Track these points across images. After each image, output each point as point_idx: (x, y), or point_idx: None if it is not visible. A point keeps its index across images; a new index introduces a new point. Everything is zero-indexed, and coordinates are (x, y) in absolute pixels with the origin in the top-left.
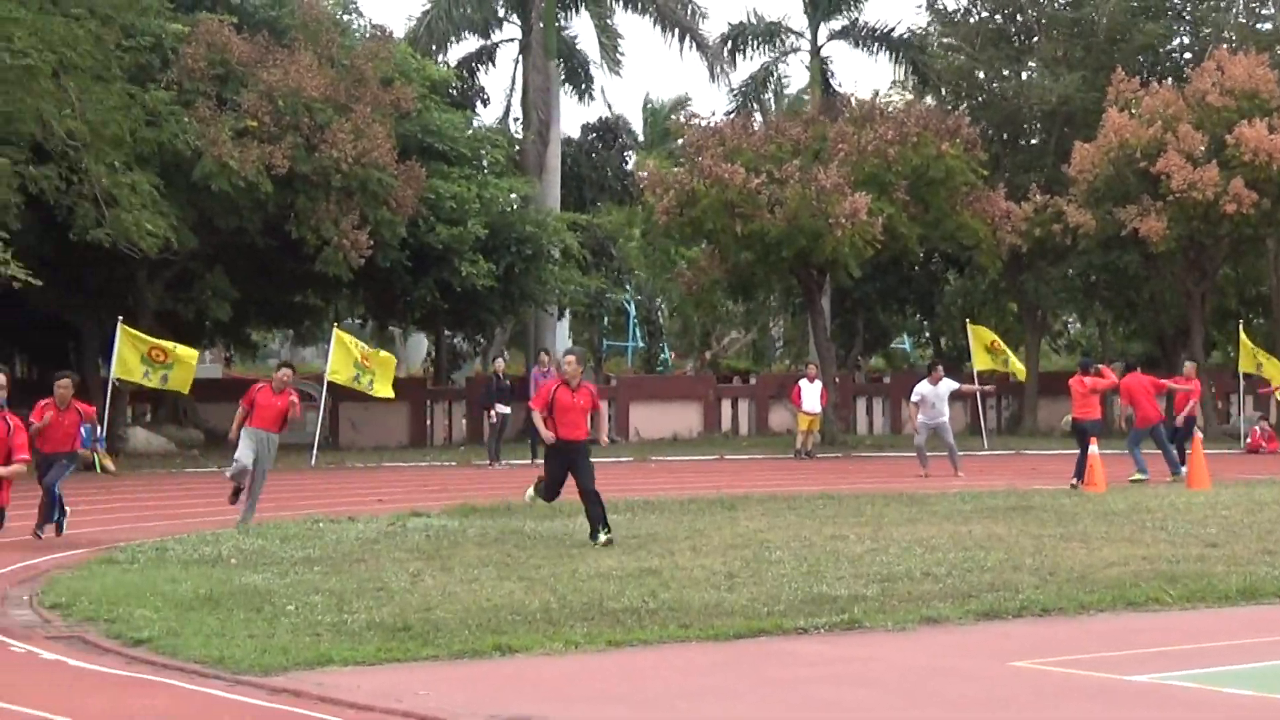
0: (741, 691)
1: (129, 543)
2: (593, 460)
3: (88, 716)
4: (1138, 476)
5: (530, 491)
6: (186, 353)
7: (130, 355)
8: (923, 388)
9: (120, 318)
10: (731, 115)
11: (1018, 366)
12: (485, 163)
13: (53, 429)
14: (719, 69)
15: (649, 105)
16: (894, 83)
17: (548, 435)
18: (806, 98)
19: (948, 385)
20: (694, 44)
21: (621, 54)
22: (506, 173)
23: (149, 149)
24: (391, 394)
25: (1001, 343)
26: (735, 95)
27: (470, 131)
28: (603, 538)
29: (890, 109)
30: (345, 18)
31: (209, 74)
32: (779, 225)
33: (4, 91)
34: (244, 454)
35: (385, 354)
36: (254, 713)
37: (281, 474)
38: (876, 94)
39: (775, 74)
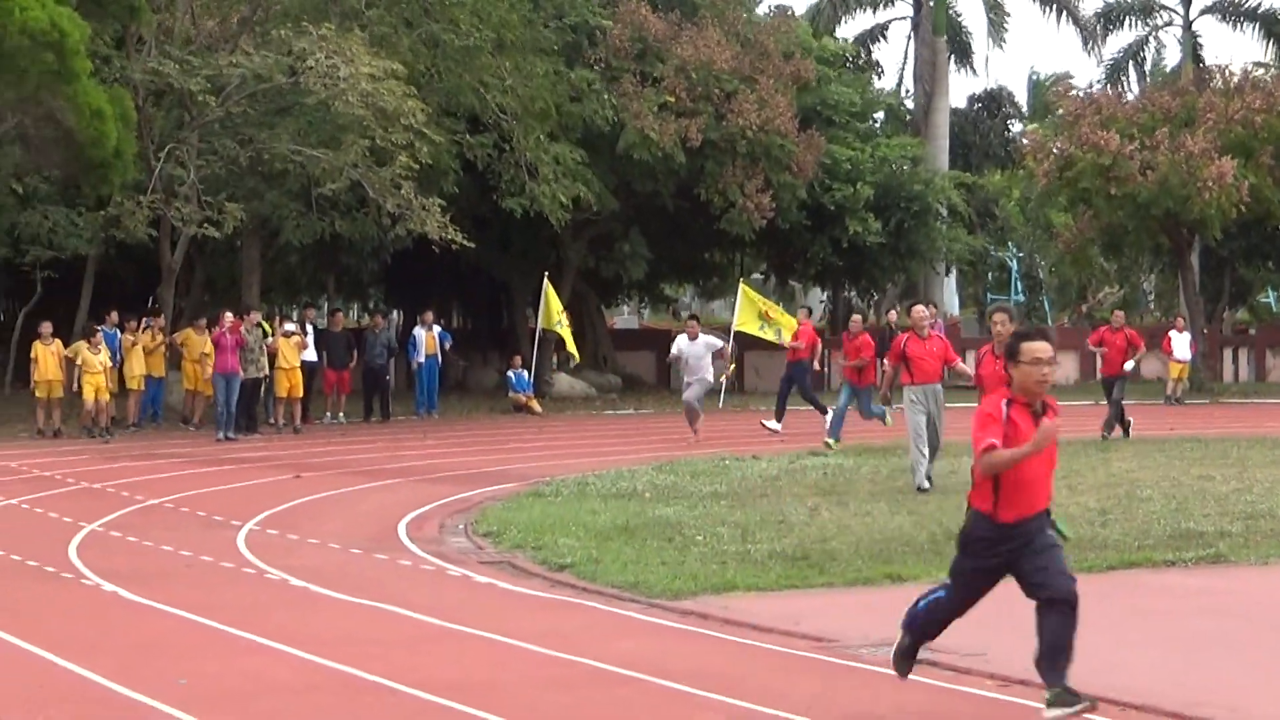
0: (1117, 622)
1: (553, 478)
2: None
3: (518, 634)
4: None
5: None
6: (568, 333)
7: (554, 307)
8: (680, 343)
9: (546, 273)
10: (1105, 86)
11: None
12: (878, 123)
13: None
14: (1092, 43)
15: (1033, 77)
16: (1256, 63)
17: None
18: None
19: (706, 342)
20: (1070, 19)
21: (1006, 29)
22: (898, 133)
23: (573, 122)
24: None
25: None
26: (1106, 67)
27: (866, 96)
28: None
29: (1260, 83)
30: None
31: (630, 52)
32: (1149, 188)
33: (448, 69)
34: (915, 438)
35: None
36: (665, 633)
37: None
38: (1246, 69)
39: (1148, 47)
